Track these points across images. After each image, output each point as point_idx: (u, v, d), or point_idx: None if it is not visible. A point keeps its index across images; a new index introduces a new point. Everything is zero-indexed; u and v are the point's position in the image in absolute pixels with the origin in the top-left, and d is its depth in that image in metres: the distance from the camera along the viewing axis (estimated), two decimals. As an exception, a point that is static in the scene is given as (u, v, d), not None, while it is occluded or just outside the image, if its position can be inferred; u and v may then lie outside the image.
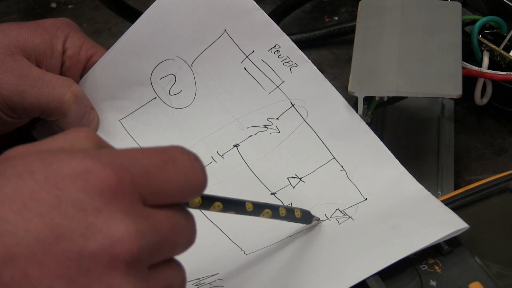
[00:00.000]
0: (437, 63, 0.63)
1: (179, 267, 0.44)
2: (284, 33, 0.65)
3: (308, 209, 0.62)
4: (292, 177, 0.64)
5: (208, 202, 0.48)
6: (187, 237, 0.43)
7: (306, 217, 0.59)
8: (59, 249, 0.38)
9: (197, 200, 0.46)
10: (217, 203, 0.48)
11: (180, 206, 0.43)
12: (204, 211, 0.64)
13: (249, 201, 0.52)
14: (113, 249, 0.39)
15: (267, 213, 0.54)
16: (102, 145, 0.43)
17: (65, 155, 0.40)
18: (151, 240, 0.40)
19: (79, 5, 0.89)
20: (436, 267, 0.55)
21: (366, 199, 0.61)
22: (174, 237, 0.42)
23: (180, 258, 0.62)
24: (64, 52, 0.67)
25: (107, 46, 0.69)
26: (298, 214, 0.57)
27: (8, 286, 0.38)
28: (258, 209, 0.53)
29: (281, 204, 0.62)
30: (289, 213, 0.56)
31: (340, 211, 0.61)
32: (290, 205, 0.57)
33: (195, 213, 0.44)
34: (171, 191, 0.42)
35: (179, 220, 0.42)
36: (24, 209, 0.39)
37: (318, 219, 0.60)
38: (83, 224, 0.39)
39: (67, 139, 0.43)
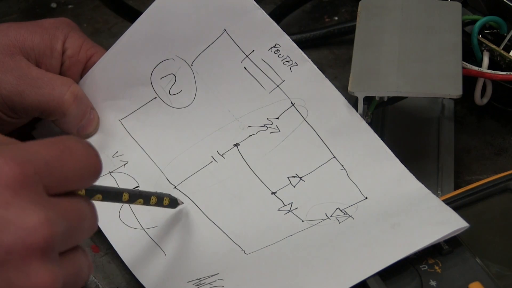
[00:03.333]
0: (437, 63, 0.63)
1: (85, 253, 0.46)
2: (284, 32, 0.65)
3: (308, 208, 0.62)
4: (293, 176, 0.63)
5: (90, 194, 0.51)
6: (91, 223, 0.45)
7: (173, 203, 0.62)
8: None
9: (82, 191, 0.48)
10: (98, 195, 0.52)
11: (80, 195, 0.45)
12: (205, 213, 0.64)
13: (126, 192, 0.56)
14: (28, 238, 0.40)
15: (140, 202, 0.58)
16: (2, 142, 0.45)
17: None
18: (61, 227, 0.42)
19: (79, 5, 0.89)
20: (436, 267, 0.55)
21: (366, 198, 0.61)
22: (80, 224, 0.44)
23: (181, 257, 0.62)
24: (63, 52, 0.67)
25: (107, 46, 0.69)
26: (166, 202, 0.61)
27: None
28: (133, 198, 0.57)
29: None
30: (158, 201, 0.60)
31: (341, 210, 0.61)
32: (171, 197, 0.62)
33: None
34: (71, 178, 0.44)
35: (83, 207, 0.44)
36: None
37: (182, 203, 0.63)
38: None
39: None
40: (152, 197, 0.59)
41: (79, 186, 0.44)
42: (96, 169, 0.45)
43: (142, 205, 0.58)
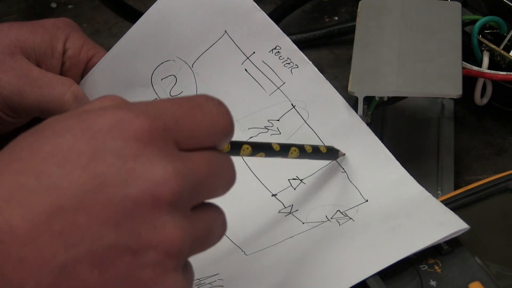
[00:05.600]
0: (437, 63, 0.63)
1: (219, 210, 0.45)
2: (284, 34, 0.65)
3: (308, 210, 0.62)
4: (293, 179, 0.64)
5: (237, 147, 0.50)
6: (227, 177, 0.44)
7: (332, 153, 0.61)
8: (103, 196, 0.39)
9: (226, 146, 0.47)
10: (246, 146, 0.51)
11: (215, 149, 0.44)
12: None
13: (275, 143, 0.55)
14: (155, 190, 0.40)
15: (295, 151, 0.56)
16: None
17: (97, 110, 0.42)
18: (190, 180, 0.41)
19: (79, 5, 0.89)
20: (436, 267, 0.55)
21: (367, 200, 0.61)
22: (213, 178, 0.43)
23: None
24: (64, 52, 0.67)
25: (107, 46, 0.69)
26: (323, 149, 0.60)
27: (59, 235, 0.39)
28: (285, 149, 0.56)
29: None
30: (314, 150, 0.58)
31: (341, 213, 0.61)
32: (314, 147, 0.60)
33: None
34: (201, 135, 0.43)
35: (216, 161, 0.43)
36: (65, 162, 0.40)
37: (344, 154, 0.62)
38: (124, 170, 0.40)
39: (95, 105, 0.44)
40: (306, 146, 0.58)
41: (210, 143, 0.43)
42: (227, 126, 0.44)
43: (295, 158, 0.56)
